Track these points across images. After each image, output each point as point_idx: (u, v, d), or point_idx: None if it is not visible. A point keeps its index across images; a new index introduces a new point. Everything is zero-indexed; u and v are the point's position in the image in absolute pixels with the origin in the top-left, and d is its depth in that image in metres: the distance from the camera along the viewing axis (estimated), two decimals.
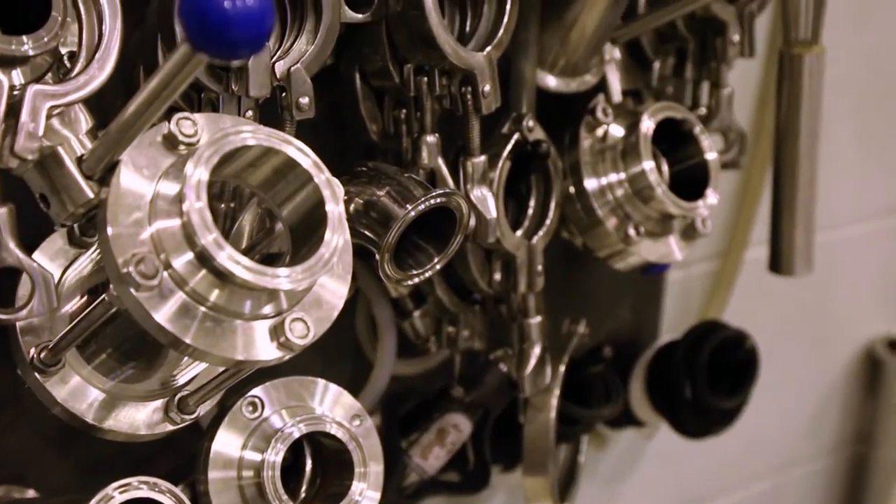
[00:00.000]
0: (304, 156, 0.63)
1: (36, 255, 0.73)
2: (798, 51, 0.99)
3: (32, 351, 0.71)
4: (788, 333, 1.40)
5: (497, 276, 0.93)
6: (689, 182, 0.96)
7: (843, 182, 1.36)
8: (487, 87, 0.81)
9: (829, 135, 1.15)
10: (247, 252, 0.73)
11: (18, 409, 0.78)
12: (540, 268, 0.93)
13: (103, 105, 0.69)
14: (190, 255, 0.60)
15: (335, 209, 0.63)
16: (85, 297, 0.74)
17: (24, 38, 0.61)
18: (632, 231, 0.95)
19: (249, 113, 0.73)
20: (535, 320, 0.95)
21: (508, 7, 0.82)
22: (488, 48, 0.82)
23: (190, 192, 0.60)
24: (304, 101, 0.74)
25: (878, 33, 1.30)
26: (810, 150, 1.03)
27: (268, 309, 0.63)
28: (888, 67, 1.34)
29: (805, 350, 1.44)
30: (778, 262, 1.06)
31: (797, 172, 1.02)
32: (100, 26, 0.63)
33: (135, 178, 0.61)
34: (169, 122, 0.63)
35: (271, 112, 0.75)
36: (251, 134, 0.62)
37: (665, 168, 0.97)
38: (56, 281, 0.68)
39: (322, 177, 0.63)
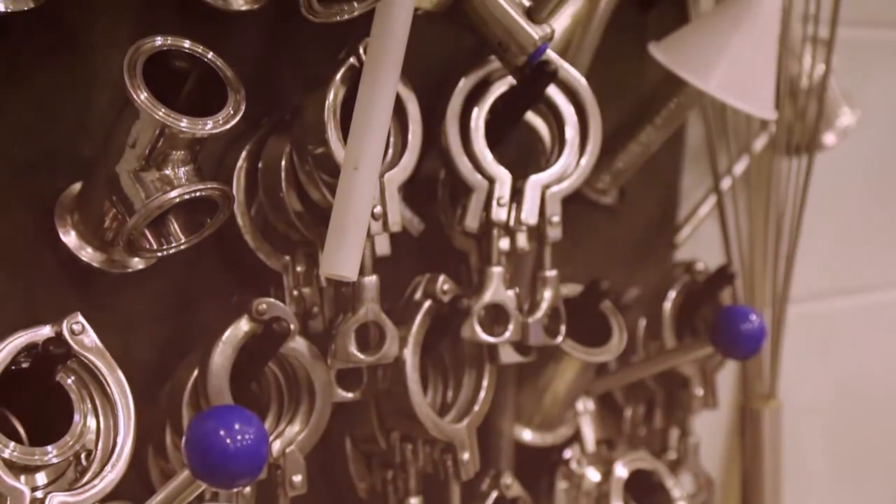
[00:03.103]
0: None
1: None
2: (757, 405, 1.07)
3: None
4: None
5: None
6: None
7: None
8: (466, 456, 0.89)
9: (801, 454, 1.21)
10: None
11: None
12: None
13: None
14: None
15: None
16: None
17: (49, 447, 0.69)
18: None
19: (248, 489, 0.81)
20: None
21: (486, 381, 0.91)
22: (467, 419, 0.89)
23: None
24: (297, 478, 0.81)
25: (845, 358, 1.38)
26: (775, 496, 1.09)
27: None
28: (857, 392, 1.41)
29: None
30: None
31: None
32: (115, 434, 0.70)
33: None
34: None
35: (266, 488, 0.82)
36: None
37: None
38: None
39: None
